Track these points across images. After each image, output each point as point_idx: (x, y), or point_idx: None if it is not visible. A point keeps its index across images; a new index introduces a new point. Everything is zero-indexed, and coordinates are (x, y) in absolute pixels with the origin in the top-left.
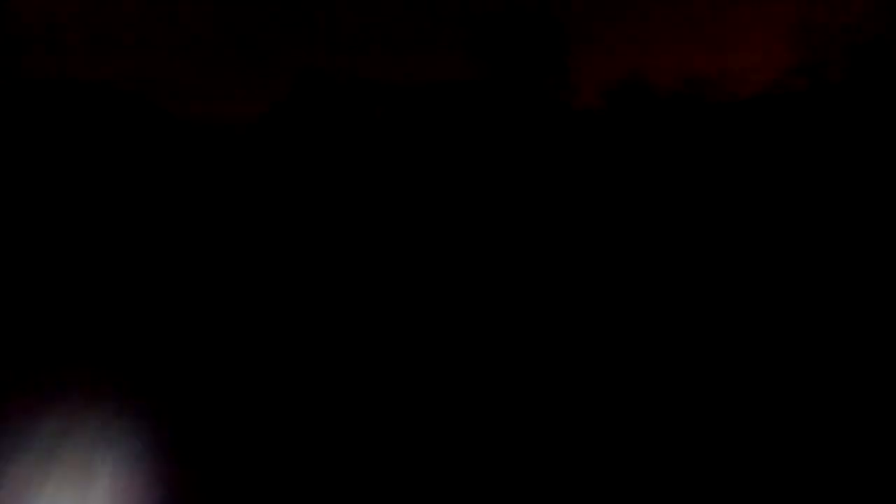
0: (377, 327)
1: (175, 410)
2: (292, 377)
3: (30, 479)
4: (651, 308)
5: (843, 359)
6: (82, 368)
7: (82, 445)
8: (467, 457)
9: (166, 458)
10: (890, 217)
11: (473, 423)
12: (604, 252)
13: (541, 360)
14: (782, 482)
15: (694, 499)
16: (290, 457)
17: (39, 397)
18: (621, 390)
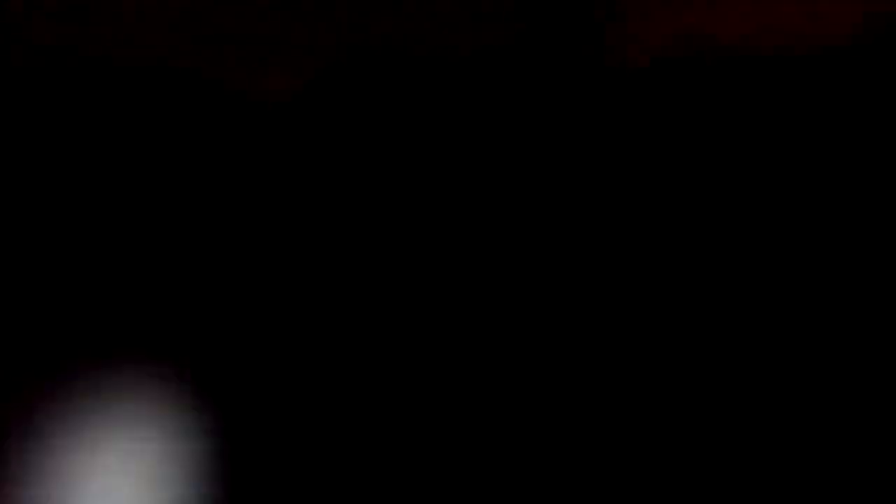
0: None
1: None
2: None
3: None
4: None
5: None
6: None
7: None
8: (468, 456)
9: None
10: None
11: (474, 422)
12: (641, 230)
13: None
14: (782, 482)
15: (694, 499)
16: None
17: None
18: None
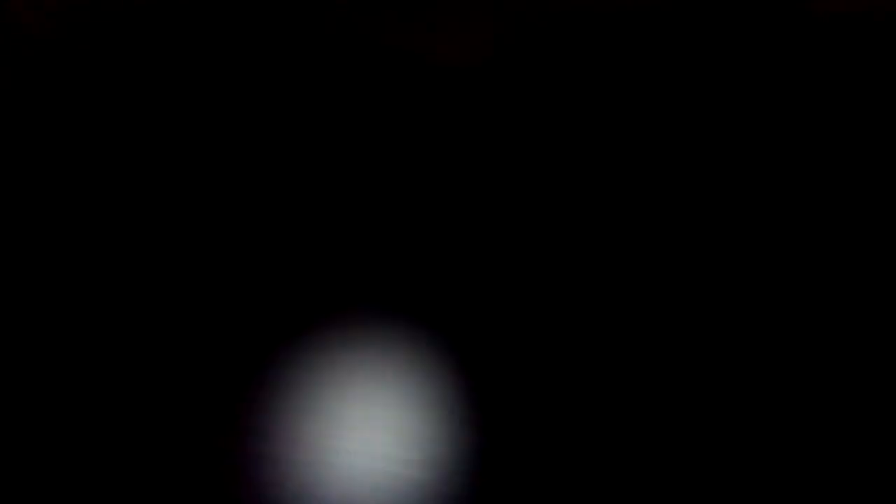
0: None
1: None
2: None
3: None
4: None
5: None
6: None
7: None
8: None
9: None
10: None
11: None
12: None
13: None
14: (782, 482)
15: (693, 499)
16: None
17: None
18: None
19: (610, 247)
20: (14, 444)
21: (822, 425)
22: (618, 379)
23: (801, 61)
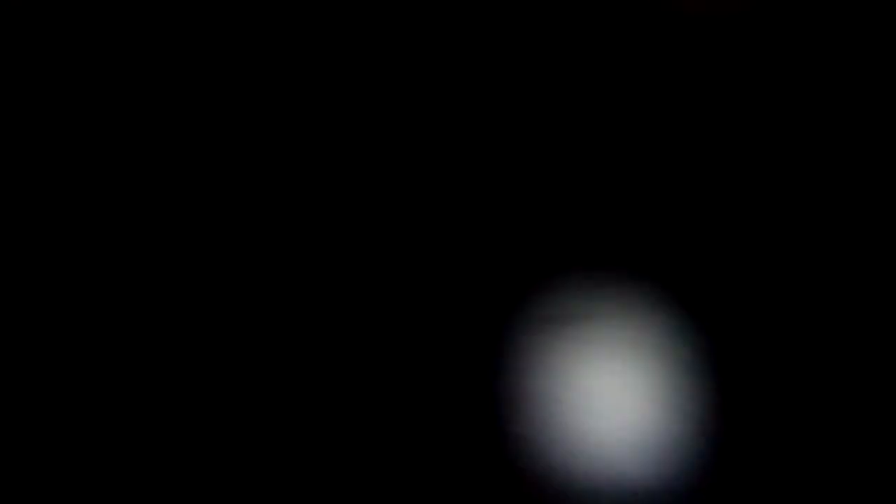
0: None
1: None
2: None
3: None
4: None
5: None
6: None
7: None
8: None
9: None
10: None
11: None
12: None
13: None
14: (783, 482)
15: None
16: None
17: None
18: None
19: None
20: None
21: (822, 425)
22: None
23: (670, 62)
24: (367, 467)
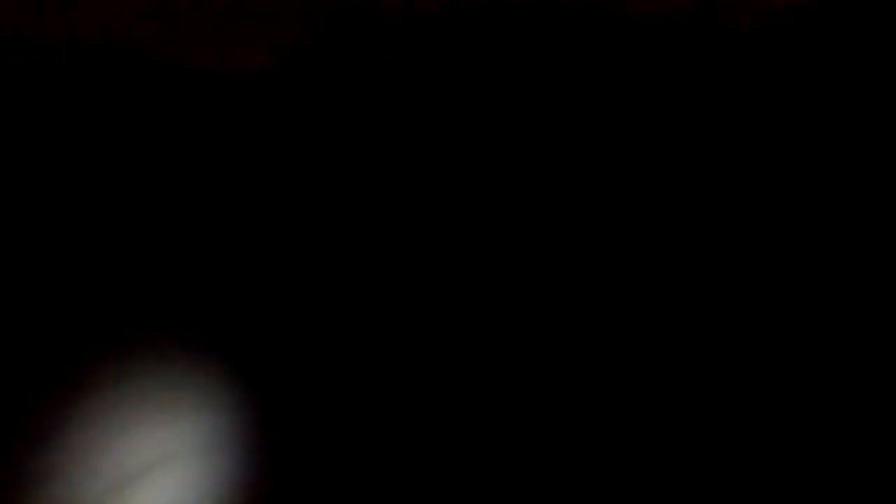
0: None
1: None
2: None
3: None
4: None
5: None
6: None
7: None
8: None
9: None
10: None
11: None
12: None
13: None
14: (782, 482)
15: (693, 499)
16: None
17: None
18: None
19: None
20: None
21: (821, 425)
22: (613, 380)
23: (615, 63)
24: None
